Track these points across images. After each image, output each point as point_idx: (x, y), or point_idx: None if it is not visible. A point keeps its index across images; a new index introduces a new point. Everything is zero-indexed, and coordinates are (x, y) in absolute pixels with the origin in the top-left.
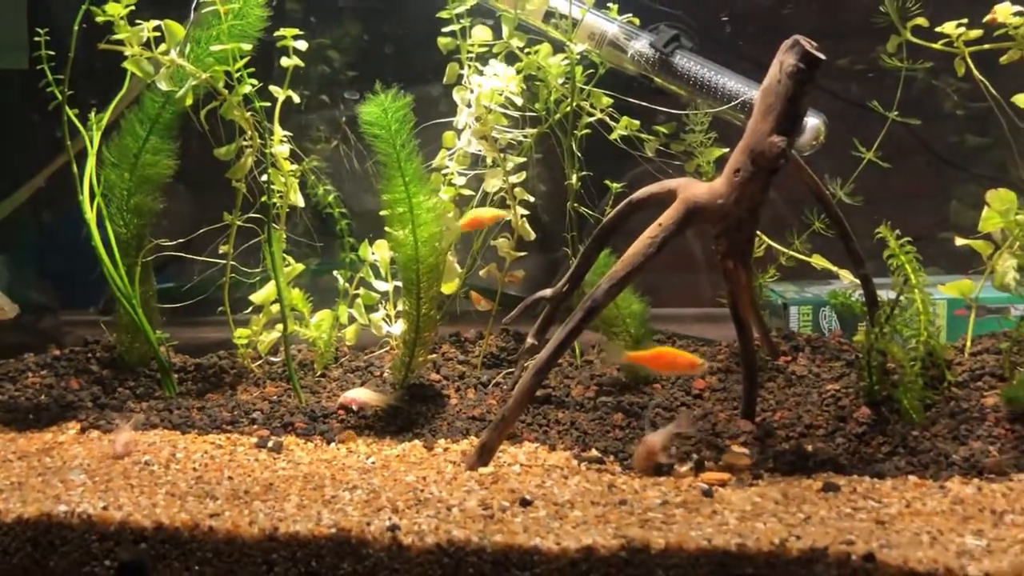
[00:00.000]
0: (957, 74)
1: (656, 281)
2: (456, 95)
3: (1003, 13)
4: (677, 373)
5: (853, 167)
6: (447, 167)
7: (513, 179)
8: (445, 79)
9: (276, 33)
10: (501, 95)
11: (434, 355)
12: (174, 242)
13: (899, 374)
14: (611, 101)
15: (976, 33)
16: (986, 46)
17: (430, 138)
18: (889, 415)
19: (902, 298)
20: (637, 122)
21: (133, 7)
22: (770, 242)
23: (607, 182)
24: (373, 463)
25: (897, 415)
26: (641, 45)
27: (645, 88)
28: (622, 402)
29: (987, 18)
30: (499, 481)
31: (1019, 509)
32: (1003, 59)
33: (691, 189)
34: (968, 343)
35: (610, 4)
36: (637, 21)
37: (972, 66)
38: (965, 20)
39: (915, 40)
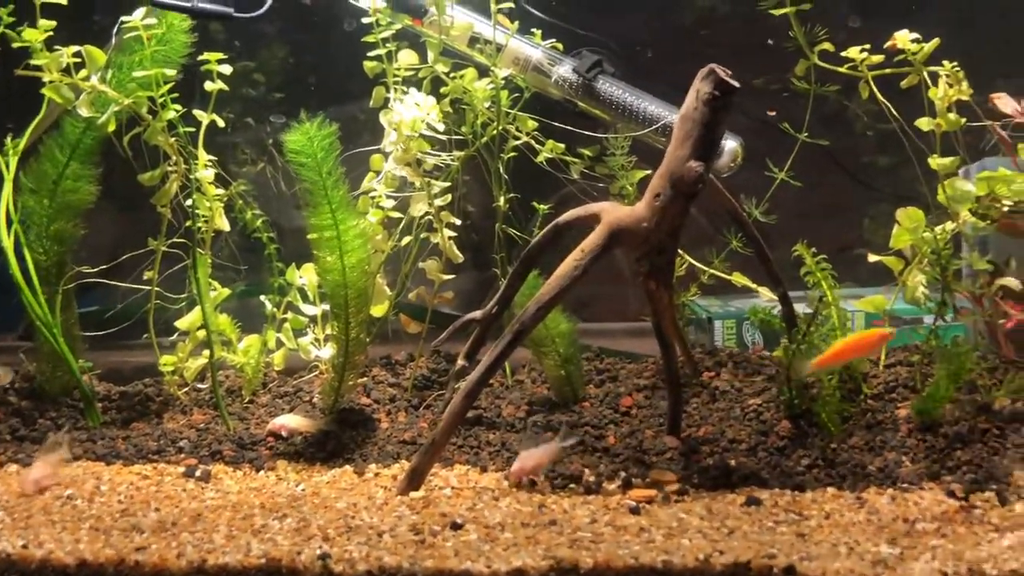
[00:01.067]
0: (865, 97)
1: (588, 295)
2: (383, 118)
3: (901, 40)
4: (872, 354)
5: (772, 184)
6: (375, 190)
7: (439, 202)
8: (372, 103)
9: (201, 57)
10: (423, 123)
11: (364, 378)
12: (96, 269)
13: (817, 388)
14: (536, 124)
15: (878, 58)
16: (887, 71)
17: (359, 160)
18: (808, 428)
19: (820, 315)
20: (562, 145)
21: (51, 32)
22: (692, 260)
23: (535, 203)
24: (303, 490)
25: (816, 428)
26: (564, 70)
27: (569, 112)
28: (552, 421)
29: (887, 44)
30: (430, 505)
31: (929, 517)
32: (903, 83)
33: (614, 213)
34: (883, 356)
35: (534, 30)
36: (561, 47)
37: (875, 89)
38: (868, 46)
39: (822, 64)
